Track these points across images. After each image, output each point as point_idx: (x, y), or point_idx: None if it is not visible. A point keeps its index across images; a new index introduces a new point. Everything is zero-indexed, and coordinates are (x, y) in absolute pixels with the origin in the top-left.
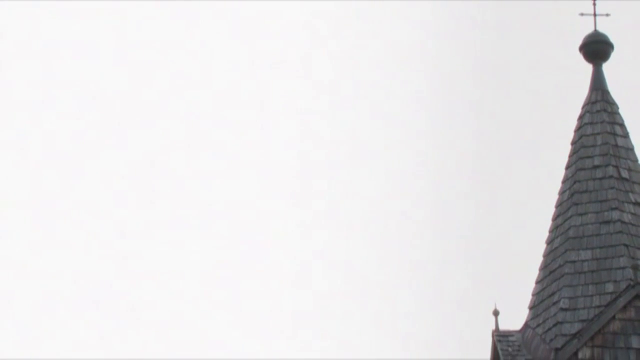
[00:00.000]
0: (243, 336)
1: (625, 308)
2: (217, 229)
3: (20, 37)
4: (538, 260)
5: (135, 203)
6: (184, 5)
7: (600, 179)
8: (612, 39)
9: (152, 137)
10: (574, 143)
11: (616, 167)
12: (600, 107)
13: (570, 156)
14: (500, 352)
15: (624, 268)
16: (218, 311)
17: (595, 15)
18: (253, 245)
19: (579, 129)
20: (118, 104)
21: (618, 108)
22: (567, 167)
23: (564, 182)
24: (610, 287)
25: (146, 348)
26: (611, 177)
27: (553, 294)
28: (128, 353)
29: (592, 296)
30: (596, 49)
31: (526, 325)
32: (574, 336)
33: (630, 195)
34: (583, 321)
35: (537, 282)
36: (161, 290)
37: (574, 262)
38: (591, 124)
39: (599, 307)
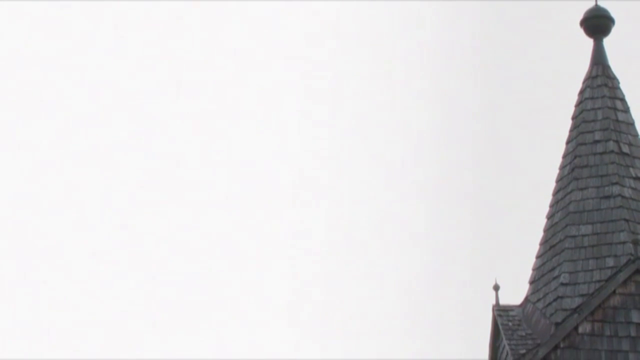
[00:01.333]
0: (243, 336)
1: (625, 282)
2: (217, 229)
3: (19, 36)
4: (538, 234)
5: (133, 203)
6: (184, 6)
7: (601, 153)
8: (613, 13)
9: (151, 137)
10: (574, 117)
11: (616, 141)
12: (600, 82)
13: (571, 130)
14: (501, 327)
15: (624, 242)
16: (217, 311)
17: None
18: (253, 245)
19: (579, 103)
20: (118, 103)
21: (618, 82)
22: (568, 142)
23: (564, 156)
24: (610, 262)
25: (146, 348)
26: (611, 151)
27: (553, 268)
28: (128, 353)
29: (592, 270)
30: (597, 24)
31: (526, 300)
32: (574, 310)
33: (631, 169)
34: (583, 295)
35: (537, 257)
36: (161, 290)
37: (574, 236)
38: (592, 98)
39: (599, 281)
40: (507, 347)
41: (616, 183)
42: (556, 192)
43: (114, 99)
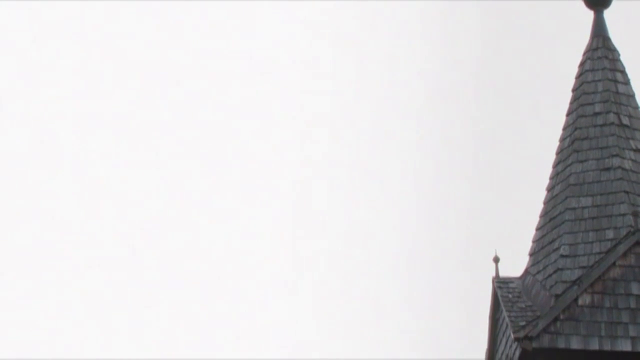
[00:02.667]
0: (243, 336)
1: (625, 255)
2: (217, 230)
3: (17, 36)
4: (538, 207)
5: (132, 204)
6: (184, 6)
7: (601, 125)
8: None
9: (150, 138)
10: (574, 90)
11: (617, 114)
12: (601, 54)
13: (571, 103)
14: (501, 299)
15: (624, 215)
16: (217, 312)
17: None
18: (252, 246)
19: (579, 75)
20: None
21: (619, 55)
22: (568, 114)
23: (564, 129)
24: (610, 234)
25: (146, 348)
26: (612, 124)
27: (553, 240)
28: (128, 353)
29: (592, 243)
30: None
31: (526, 272)
32: (574, 283)
33: (631, 142)
34: (583, 268)
35: (538, 229)
36: (160, 290)
37: (574, 209)
38: (592, 70)
39: (599, 253)
40: (507, 320)
41: (617, 155)
42: (556, 165)
43: (113, 100)
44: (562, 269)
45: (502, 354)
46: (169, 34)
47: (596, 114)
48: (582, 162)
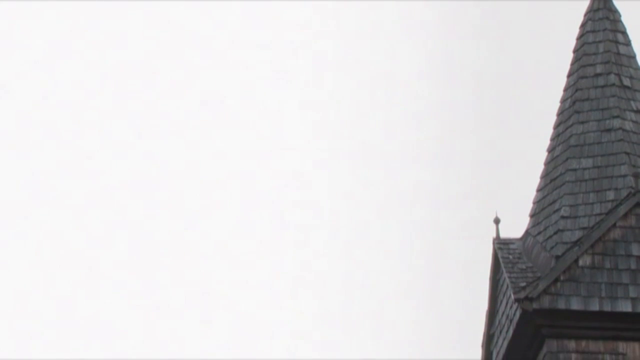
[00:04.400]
0: (243, 336)
1: (625, 215)
2: (218, 232)
3: (18, 37)
4: (539, 167)
5: (132, 205)
6: (184, 6)
7: (602, 86)
8: None
9: (150, 140)
10: (575, 51)
11: (618, 74)
12: (602, 15)
13: (572, 64)
14: (501, 260)
15: (624, 176)
16: (217, 312)
17: None
18: (253, 247)
19: (580, 36)
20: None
21: (620, 16)
22: (569, 75)
23: (565, 89)
24: (610, 195)
25: (146, 348)
26: (613, 84)
27: (554, 201)
28: (128, 353)
29: (592, 204)
30: None
31: (527, 233)
32: (575, 243)
33: (632, 103)
34: (583, 228)
35: (538, 190)
36: (161, 290)
37: (574, 169)
38: (593, 31)
39: (599, 214)
40: (507, 280)
41: (617, 116)
42: (557, 126)
43: (114, 101)
44: (562, 230)
45: (502, 315)
46: (169, 34)
47: (597, 75)
48: (582, 123)
